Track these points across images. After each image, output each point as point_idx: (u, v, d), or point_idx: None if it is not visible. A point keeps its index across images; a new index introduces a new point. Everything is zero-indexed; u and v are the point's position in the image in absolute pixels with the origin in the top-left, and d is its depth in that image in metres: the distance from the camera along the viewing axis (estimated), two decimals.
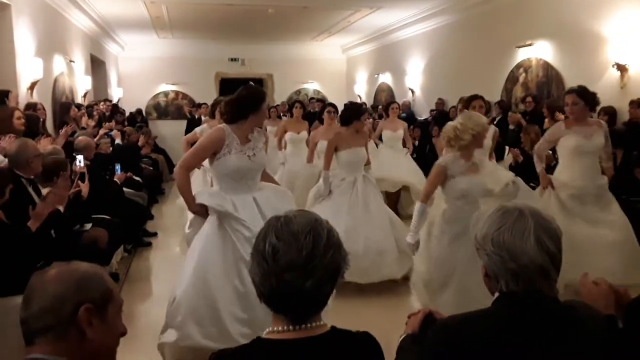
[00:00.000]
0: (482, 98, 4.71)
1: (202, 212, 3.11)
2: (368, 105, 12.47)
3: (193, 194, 3.17)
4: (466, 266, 3.22)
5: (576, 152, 4.05)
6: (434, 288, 3.47)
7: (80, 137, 5.57)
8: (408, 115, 10.67)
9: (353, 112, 4.90)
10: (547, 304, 1.36)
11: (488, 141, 4.44)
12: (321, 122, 6.16)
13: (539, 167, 4.26)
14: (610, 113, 6.14)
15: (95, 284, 1.28)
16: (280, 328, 1.28)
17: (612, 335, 1.40)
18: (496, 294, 1.41)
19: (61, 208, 3.67)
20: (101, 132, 7.10)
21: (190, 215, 3.47)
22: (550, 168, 4.45)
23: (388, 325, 4.11)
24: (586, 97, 4.00)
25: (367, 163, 5.04)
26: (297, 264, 1.21)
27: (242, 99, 3.17)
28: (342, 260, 1.29)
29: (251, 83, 3.36)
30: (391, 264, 4.55)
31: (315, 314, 1.29)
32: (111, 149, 6.95)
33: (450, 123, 3.49)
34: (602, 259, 3.79)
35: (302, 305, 1.26)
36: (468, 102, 4.68)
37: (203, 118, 11.37)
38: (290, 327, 1.27)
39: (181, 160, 3.18)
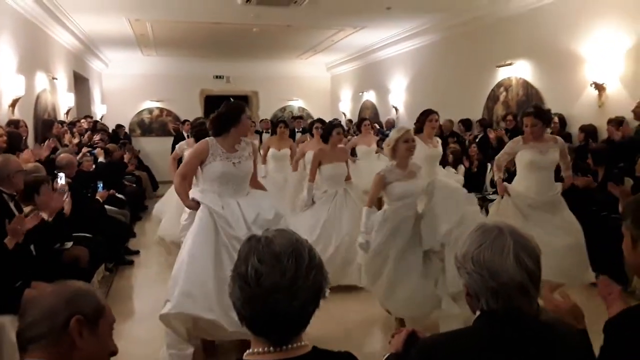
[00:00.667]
0: (436, 113, 5.08)
1: (194, 206, 3.50)
2: (353, 122, 12.61)
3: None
4: (398, 255, 3.89)
5: (531, 166, 4.32)
6: (373, 273, 4.01)
7: (62, 155, 5.52)
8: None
9: (326, 129, 5.46)
10: (526, 321, 1.37)
11: (438, 150, 4.86)
12: (312, 136, 6.87)
13: (497, 175, 4.58)
14: (588, 131, 6.27)
15: (88, 300, 1.40)
16: (260, 349, 1.26)
17: (586, 350, 1.42)
18: (477, 313, 1.42)
19: (46, 216, 3.59)
20: (84, 150, 7.04)
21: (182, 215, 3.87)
22: (509, 177, 4.78)
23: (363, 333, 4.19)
24: (543, 117, 4.31)
25: (348, 178, 5.44)
26: (282, 286, 1.20)
27: (223, 115, 3.58)
28: (324, 280, 1.28)
29: (231, 99, 3.70)
30: (352, 274, 4.81)
31: (297, 335, 1.28)
32: (94, 166, 6.88)
33: None
34: (558, 263, 3.94)
35: (285, 327, 1.24)
36: (425, 117, 4.96)
37: (186, 134, 11.42)
38: (271, 348, 1.25)
39: (177, 170, 3.72)
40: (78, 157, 6.47)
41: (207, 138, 3.65)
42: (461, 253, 1.42)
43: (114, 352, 1.44)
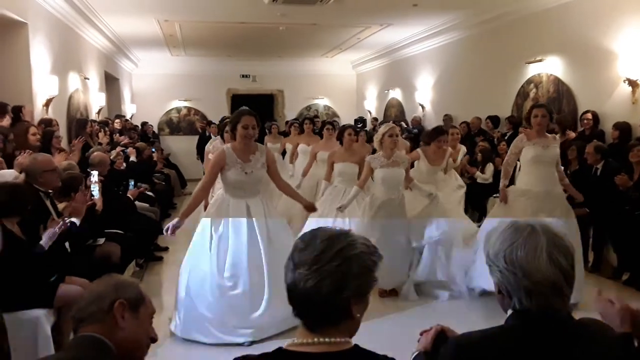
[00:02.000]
0: (446, 133, 5.72)
1: (176, 225, 3.91)
2: (379, 121, 12.57)
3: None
4: (383, 230, 4.67)
5: (534, 161, 4.62)
6: None
7: (95, 153, 5.63)
8: (419, 131, 10.68)
9: (339, 132, 6.03)
10: (561, 321, 1.35)
11: (440, 165, 5.55)
12: (322, 137, 7.19)
13: (502, 182, 4.84)
14: (622, 128, 6.10)
15: (130, 288, 1.64)
16: (302, 340, 1.30)
17: (627, 353, 1.38)
18: (509, 312, 1.40)
19: (77, 221, 3.69)
20: (118, 149, 7.20)
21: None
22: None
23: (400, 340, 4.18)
24: (550, 113, 4.70)
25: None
26: (305, 262, 1.28)
27: (229, 123, 4.12)
28: (352, 276, 1.28)
29: (244, 108, 4.10)
30: None
31: (328, 325, 1.30)
32: (124, 165, 7.02)
33: None
34: None
35: (308, 307, 1.29)
36: (435, 137, 5.51)
37: (213, 136, 11.61)
38: (312, 339, 1.29)
39: (202, 180, 4.24)
40: (112, 157, 6.62)
41: (223, 147, 4.15)
42: (493, 252, 1.39)
43: (154, 339, 1.67)
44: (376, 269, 1.33)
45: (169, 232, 3.86)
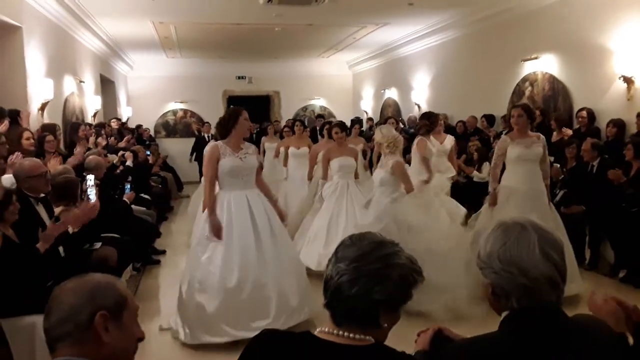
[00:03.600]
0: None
1: (215, 223, 3.95)
2: (375, 121, 12.60)
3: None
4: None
5: (518, 160, 4.74)
6: None
7: (90, 157, 5.61)
8: (416, 130, 10.68)
9: (328, 130, 6.14)
10: (560, 319, 1.34)
11: (445, 145, 5.87)
12: (322, 136, 7.21)
13: (492, 186, 4.89)
14: (618, 125, 6.12)
15: (108, 293, 1.39)
16: (328, 330, 1.37)
17: (622, 353, 1.38)
18: (504, 314, 1.38)
19: (70, 229, 3.63)
20: (120, 153, 7.19)
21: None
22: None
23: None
24: (529, 112, 4.83)
25: (356, 177, 5.89)
26: (346, 257, 1.34)
27: (224, 120, 4.16)
28: (388, 283, 1.31)
29: (232, 107, 4.33)
30: None
31: (353, 323, 1.34)
32: (121, 168, 7.01)
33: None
34: None
35: (336, 300, 1.34)
36: (437, 119, 6.08)
37: (206, 136, 11.70)
38: (337, 331, 1.35)
39: (206, 180, 4.16)
40: (115, 161, 6.63)
41: (215, 142, 4.22)
42: (485, 253, 1.38)
43: (141, 338, 1.46)
44: (415, 287, 1.36)
45: (213, 237, 3.90)
